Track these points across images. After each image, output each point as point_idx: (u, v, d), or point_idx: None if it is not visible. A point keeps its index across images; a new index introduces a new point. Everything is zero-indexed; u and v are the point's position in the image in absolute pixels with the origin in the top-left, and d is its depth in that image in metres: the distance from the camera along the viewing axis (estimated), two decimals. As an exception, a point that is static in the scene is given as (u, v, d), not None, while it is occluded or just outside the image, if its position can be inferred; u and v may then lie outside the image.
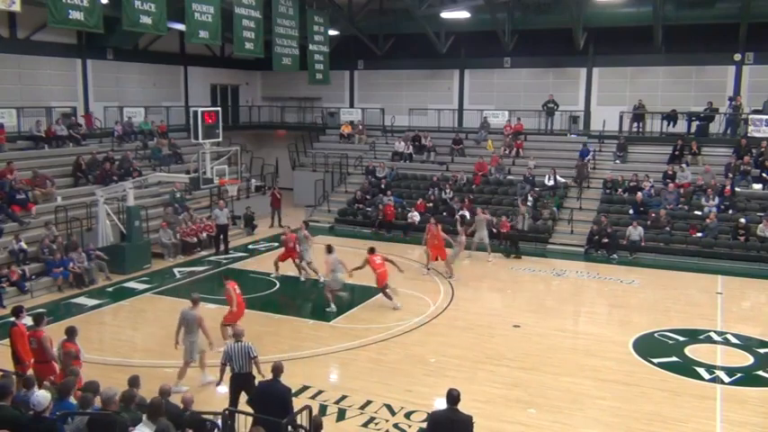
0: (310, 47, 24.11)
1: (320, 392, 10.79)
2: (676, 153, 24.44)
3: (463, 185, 25.46)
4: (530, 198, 23.47)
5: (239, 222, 23.39)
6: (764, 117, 23.96)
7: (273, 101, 33.71)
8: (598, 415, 10.29)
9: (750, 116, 24.44)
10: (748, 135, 23.92)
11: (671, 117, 25.76)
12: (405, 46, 29.80)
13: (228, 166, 20.18)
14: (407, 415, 10.06)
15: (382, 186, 26.09)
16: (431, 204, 24.44)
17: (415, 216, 23.62)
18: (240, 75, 32.84)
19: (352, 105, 32.36)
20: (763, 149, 23.15)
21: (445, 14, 26.24)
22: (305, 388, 10.85)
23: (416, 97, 30.70)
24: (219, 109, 19.30)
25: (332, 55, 25.86)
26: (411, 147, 28.36)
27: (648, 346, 13.19)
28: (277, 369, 8.32)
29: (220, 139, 19.24)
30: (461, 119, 30.15)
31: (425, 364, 12.23)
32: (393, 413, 10.13)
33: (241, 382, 9.27)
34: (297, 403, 8.52)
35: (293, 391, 8.83)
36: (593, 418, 10.19)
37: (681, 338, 13.63)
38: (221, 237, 20.95)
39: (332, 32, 26.21)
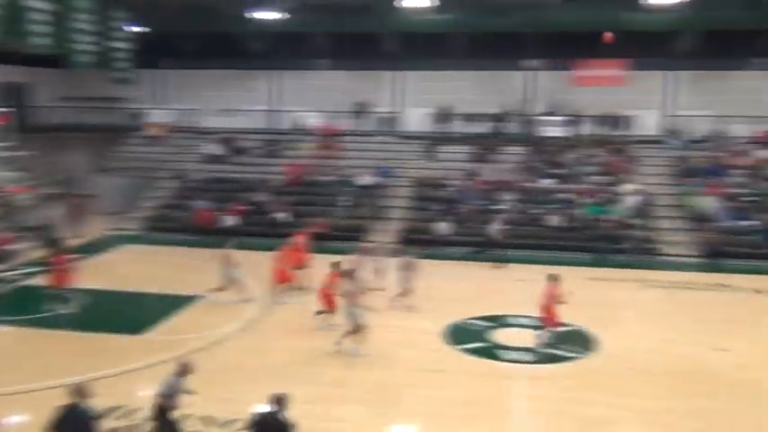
0: (111, 44, 22.69)
1: (133, 411, 10.16)
2: (479, 152, 26.26)
3: (279, 188, 25.33)
4: (346, 198, 23.95)
5: (33, 234, 21.34)
6: (552, 118, 26.57)
7: (72, 101, 31.15)
8: (416, 405, 10.74)
9: (540, 118, 26.95)
10: (539, 135, 26.39)
11: (473, 118, 27.63)
12: (218, 45, 29.04)
13: (21, 171, 18.40)
14: (228, 423, 9.80)
15: (194, 190, 25.19)
16: (246, 208, 24.03)
17: (229, 220, 23.09)
18: (34, 73, 29.95)
19: (160, 106, 30.86)
20: (552, 148, 25.63)
21: (257, 14, 25.88)
22: (115, 408, 10.16)
23: (230, 98, 29.99)
24: (10, 110, 17.55)
25: (137, 53, 24.53)
26: (224, 149, 27.70)
27: (458, 334, 13.99)
28: (78, 391, 7.71)
29: (12, 143, 17.49)
30: (276, 120, 29.99)
31: (245, 370, 12.00)
32: (213, 424, 9.81)
33: None
34: (106, 425, 7.96)
35: (99, 413, 8.23)
36: (411, 409, 10.62)
37: (486, 324, 14.63)
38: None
39: (136, 29, 24.86)
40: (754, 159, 24.81)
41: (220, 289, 15.74)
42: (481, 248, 20.98)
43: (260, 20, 26.39)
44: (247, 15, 25.67)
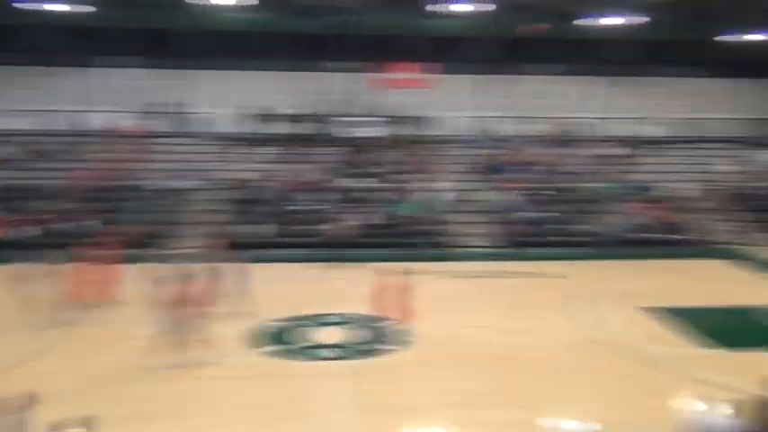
0: None
1: None
2: (291, 153, 26.30)
3: (81, 194, 23.35)
4: (155, 203, 22.85)
5: None
6: (362, 119, 27.49)
7: None
8: (228, 413, 10.38)
9: (351, 118, 27.72)
10: (350, 135, 27.13)
11: (285, 119, 27.50)
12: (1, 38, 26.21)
13: None
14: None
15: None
16: (45, 217, 21.90)
17: (25, 231, 21.02)
18: None
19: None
20: (363, 148, 26.42)
21: (48, 6, 23.59)
22: None
23: (25, 96, 27.12)
24: None
25: None
26: (18, 152, 25.25)
27: (269, 337, 13.81)
28: None
29: None
30: (78, 121, 27.61)
31: (42, 395, 10.86)
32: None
33: None
34: None
35: None
36: (223, 417, 10.25)
37: (298, 323, 14.65)
38: None
39: None
40: (549, 157, 27.22)
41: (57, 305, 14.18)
42: (339, 249, 20.74)
43: (50, 12, 24.13)
44: (35, 7, 23.41)
